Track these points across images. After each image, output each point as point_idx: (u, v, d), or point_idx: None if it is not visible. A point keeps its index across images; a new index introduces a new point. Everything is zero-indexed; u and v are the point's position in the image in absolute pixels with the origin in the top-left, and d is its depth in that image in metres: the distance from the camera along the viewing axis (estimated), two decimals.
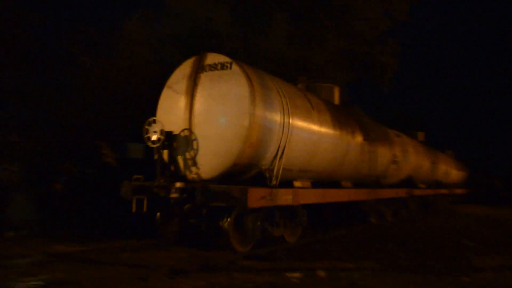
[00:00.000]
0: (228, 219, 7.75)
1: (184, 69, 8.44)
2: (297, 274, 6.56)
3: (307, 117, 9.26)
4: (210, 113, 7.88)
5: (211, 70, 8.05)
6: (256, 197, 7.39)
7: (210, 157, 7.79)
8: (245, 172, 8.18)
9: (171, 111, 8.32)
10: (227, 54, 8.26)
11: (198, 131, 7.93)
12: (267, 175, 8.17)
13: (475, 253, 9.11)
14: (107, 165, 12.19)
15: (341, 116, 11.18)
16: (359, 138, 11.83)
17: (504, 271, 7.51)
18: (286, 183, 8.78)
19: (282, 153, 8.28)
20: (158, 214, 8.62)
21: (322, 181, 10.48)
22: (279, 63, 16.98)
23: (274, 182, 8.15)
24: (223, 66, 7.95)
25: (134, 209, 8.08)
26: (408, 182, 17.08)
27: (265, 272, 6.85)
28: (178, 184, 7.69)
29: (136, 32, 14.73)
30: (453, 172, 27.64)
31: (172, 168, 8.18)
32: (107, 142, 12.26)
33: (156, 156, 8.08)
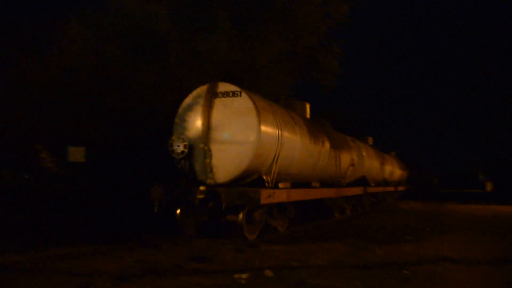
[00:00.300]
0: (241, 214, 9.57)
1: (198, 95, 10.19)
2: (244, 275, 6.59)
3: (292, 131, 11.30)
4: (225, 131, 9.76)
5: (223, 96, 9.88)
6: (265, 196, 9.33)
7: (225, 166, 9.66)
8: (250, 177, 10.01)
9: (189, 128, 10.10)
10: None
11: (214, 145, 9.75)
12: (265, 178, 10.09)
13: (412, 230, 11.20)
14: (46, 169, 11.73)
15: (313, 128, 13.30)
16: (327, 146, 14.06)
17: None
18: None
19: (277, 160, 10.30)
20: (178, 212, 10.04)
21: (297, 182, 12.25)
22: (222, 64, 16.97)
23: (271, 184, 10.13)
24: (233, 94, 9.83)
25: (156, 210, 9.86)
26: (362, 181, 19.24)
27: (212, 274, 6.84)
28: (202, 188, 9.45)
29: (76, 31, 14.24)
30: (397, 171, 30.29)
31: (188, 174, 9.93)
32: (46, 145, 11.81)
33: (180, 166, 10.00)
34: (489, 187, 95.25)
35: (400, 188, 31.71)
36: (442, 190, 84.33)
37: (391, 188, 26.76)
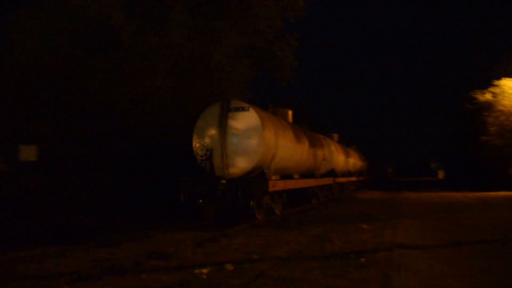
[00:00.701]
0: (253, 200, 12.21)
1: (214, 109, 12.73)
2: (205, 270, 6.60)
3: (283, 135, 14.10)
4: (237, 138, 12.36)
5: (235, 111, 12.49)
6: (271, 186, 12.29)
7: (237, 164, 12.33)
8: (255, 172, 12.64)
9: (207, 136, 12.57)
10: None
11: (229, 148, 12.35)
12: (267, 172, 12.85)
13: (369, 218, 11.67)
14: None
15: (296, 130, 16.20)
16: (306, 145, 16.77)
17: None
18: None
19: (274, 158, 13.24)
20: (200, 201, 12.41)
21: (284, 175, 14.80)
22: (179, 59, 16.76)
23: (270, 177, 12.91)
24: (243, 109, 12.46)
25: (182, 199, 12.31)
26: (332, 173, 22.11)
27: (173, 271, 6.81)
28: (223, 181, 12.01)
29: (27, 24, 13.65)
30: (358, 163, 33.60)
31: (209, 171, 12.37)
32: None
33: (203, 165, 12.40)
34: (441, 175, 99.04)
35: (361, 178, 35.22)
36: (397, 179, 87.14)
37: (353, 178, 30.43)
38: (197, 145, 12.49)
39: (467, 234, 9.98)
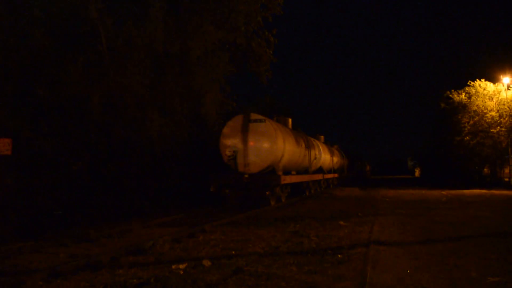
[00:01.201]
0: (268, 191, 15.75)
1: (237, 120, 16.19)
2: (182, 265, 6.58)
3: (288, 140, 17.64)
4: (256, 143, 15.86)
5: (254, 122, 15.96)
6: (282, 179, 16.16)
7: (255, 163, 15.83)
8: (268, 169, 16.09)
9: (232, 141, 16.05)
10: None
11: (250, 150, 15.85)
12: (277, 169, 16.37)
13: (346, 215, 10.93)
14: None
15: (296, 136, 19.78)
16: (303, 146, 20.37)
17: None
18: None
19: (282, 159, 16.81)
20: (227, 191, 15.97)
21: (285, 171, 17.96)
22: (157, 54, 16.61)
23: (280, 173, 16.48)
24: (261, 120, 15.98)
25: (212, 189, 15.84)
26: (320, 170, 25.60)
27: (150, 266, 6.78)
28: (246, 176, 15.49)
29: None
30: (340, 161, 36.93)
31: (233, 167, 15.96)
32: None
33: (229, 163, 15.92)
34: (417, 173, 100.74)
35: (343, 175, 38.97)
36: (375, 177, 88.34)
37: (336, 175, 33.87)
38: (226, 148, 16.09)
39: (441, 231, 10.19)
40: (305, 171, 21.35)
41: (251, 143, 15.82)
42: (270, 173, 16.04)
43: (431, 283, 5.73)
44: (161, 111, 16.56)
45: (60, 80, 13.29)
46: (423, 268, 6.55)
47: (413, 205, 17.06)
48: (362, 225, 11.34)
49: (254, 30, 21.25)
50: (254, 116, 16.09)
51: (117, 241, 9.42)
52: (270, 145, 15.85)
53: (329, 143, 33.06)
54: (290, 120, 20.92)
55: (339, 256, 7.40)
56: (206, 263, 6.81)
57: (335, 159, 32.83)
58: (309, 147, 21.66)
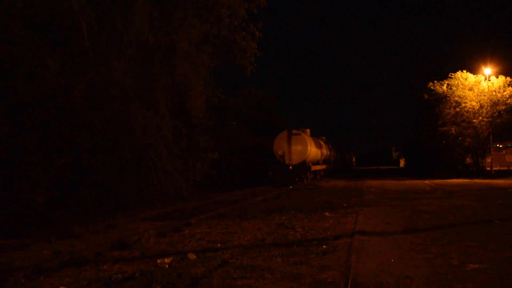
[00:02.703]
0: (303, 174, 27.30)
1: (283, 134, 27.21)
2: (167, 259, 6.57)
3: (311, 144, 28.31)
4: (295, 147, 27.10)
5: (293, 135, 27.18)
6: (312, 168, 29.76)
7: (296, 158, 27.03)
8: (302, 162, 27.40)
9: (281, 146, 27.08)
10: None
11: (293, 151, 26.96)
12: (306, 162, 27.84)
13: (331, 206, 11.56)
14: None
15: (313, 140, 30.00)
16: (316, 147, 30.41)
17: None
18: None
19: (309, 156, 28.29)
20: (271, 172, 26.36)
21: (312, 163, 29.78)
22: (142, 48, 16.44)
23: (309, 164, 28.69)
24: (298, 134, 27.38)
25: (270, 173, 26.34)
26: (323, 162, 35.57)
27: (135, 261, 6.76)
28: (291, 167, 26.42)
29: None
30: (334, 154, 43.58)
31: (281, 160, 27.03)
32: None
33: (280, 159, 26.94)
34: (402, 163, 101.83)
35: (336, 166, 44.83)
36: (360, 167, 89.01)
37: (330, 166, 40.54)
38: (278, 150, 27.00)
39: (425, 220, 10.33)
40: (316, 163, 32.13)
41: (292, 147, 27.05)
42: (303, 164, 27.41)
43: (414, 271, 5.81)
44: (146, 104, 16.42)
45: (39, 74, 13.07)
46: (406, 257, 6.64)
47: (397, 195, 17.25)
48: (347, 215, 11.44)
49: (239, 23, 21.16)
50: (294, 131, 27.67)
51: (102, 236, 9.37)
52: (303, 148, 27.28)
53: (314, 134, 34.24)
54: (308, 130, 31.06)
55: (324, 247, 7.47)
56: (192, 256, 6.81)
57: (332, 153, 40.98)
58: (319, 147, 32.60)
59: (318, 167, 32.90)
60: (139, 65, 16.40)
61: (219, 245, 7.84)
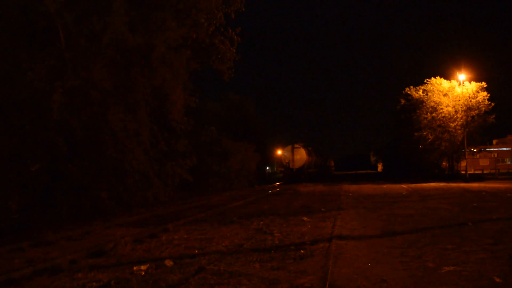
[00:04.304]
0: (302, 175, 41.39)
1: (289, 147, 42.71)
2: (144, 267, 6.47)
3: (306, 154, 42.74)
4: (296, 156, 41.96)
5: (295, 148, 42.24)
6: (307, 172, 43.67)
7: (297, 163, 41.93)
8: (301, 166, 42.16)
9: (287, 156, 42.27)
10: None
11: (295, 159, 41.77)
12: (304, 167, 42.41)
13: (310, 211, 11.12)
14: None
15: (307, 151, 43.79)
16: (309, 156, 43.89)
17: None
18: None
19: (306, 163, 42.98)
20: (282, 174, 44.82)
21: (307, 167, 44.02)
22: (120, 51, 16.28)
23: (305, 168, 42.87)
24: (298, 148, 42.27)
25: (281, 174, 46.52)
26: (315, 167, 48.89)
27: (111, 268, 6.64)
28: (294, 170, 41.62)
29: None
30: (316, 160, 50.87)
31: (287, 165, 42.57)
32: None
33: (286, 165, 42.34)
34: (380, 167, 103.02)
35: (311, 171, 48.25)
36: (339, 172, 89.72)
37: (315, 170, 49.18)
38: (285, 159, 41.52)
39: (401, 224, 10.44)
40: (308, 167, 43.41)
41: (295, 157, 40.72)
42: (302, 168, 40.47)
43: (391, 274, 5.86)
44: (125, 108, 16.24)
45: (14, 78, 12.81)
46: (383, 260, 6.69)
47: (375, 199, 17.42)
48: (325, 220, 11.49)
49: (217, 27, 21.18)
50: (296, 145, 41.45)
51: (77, 243, 9.19)
52: (301, 157, 40.95)
53: (305, 145, 45.86)
54: (302, 144, 42.99)
55: (302, 251, 7.47)
56: (168, 263, 6.73)
57: (312, 158, 47.84)
58: (310, 155, 43.97)
59: (311, 170, 45.70)
60: (118, 68, 16.22)
61: (196, 251, 7.77)
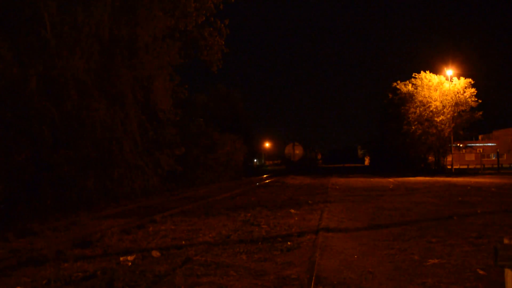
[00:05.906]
0: (299, 166, 66.63)
1: (290, 144, 70.68)
2: (130, 257, 6.45)
3: (302, 149, 69.30)
4: (296, 151, 66.26)
5: (295, 145, 66.82)
6: (302, 163, 75.18)
7: (297, 157, 66.57)
8: (300, 158, 69.01)
9: (290, 151, 66.97)
10: None
11: (295, 153, 65.92)
12: (302, 158, 69.92)
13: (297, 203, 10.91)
14: None
15: (301, 147, 69.74)
16: (304, 150, 72.66)
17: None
18: None
19: (302, 155, 70.23)
20: (285, 167, 69.85)
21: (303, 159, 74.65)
22: (103, 40, 16.06)
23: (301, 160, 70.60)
24: (297, 145, 67.42)
25: (284, 167, 71.84)
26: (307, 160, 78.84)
27: (97, 259, 6.60)
28: (294, 161, 66.51)
29: None
30: (305, 153, 71.65)
31: (289, 158, 68.83)
32: None
33: (288, 158, 69.06)
34: (367, 161, 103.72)
35: (308, 162, 58.37)
36: (325, 165, 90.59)
37: (307, 162, 69.98)
38: (288, 153, 64.80)
39: (388, 217, 10.54)
40: (303, 160, 66.13)
41: (296, 151, 63.91)
42: (300, 160, 65.20)
43: (376, 267, 5.91)
44: (110, 98, 16.08)
45: None
46: (369, 253, 6.75)
47: (362, 193, 17.56)
48: (312, 212, 11.55)
49: (207, 17, 21.01)
50: (297, 143, 66.40)
51: (63, 234, 9.12)
52: (299, 152, 64.57)
53: (300, 142, 67.13)
54: (298, 142, 67.18)
55: (289, 243, 7.50)
56: (155, 254, 6.72)
57: (305, 152, 67.91)
58: (304, 149, 65.97)
59: (305, 162, 56.58)
60: (101, 58, 16.02)
61: (183, 242, 7.76)
